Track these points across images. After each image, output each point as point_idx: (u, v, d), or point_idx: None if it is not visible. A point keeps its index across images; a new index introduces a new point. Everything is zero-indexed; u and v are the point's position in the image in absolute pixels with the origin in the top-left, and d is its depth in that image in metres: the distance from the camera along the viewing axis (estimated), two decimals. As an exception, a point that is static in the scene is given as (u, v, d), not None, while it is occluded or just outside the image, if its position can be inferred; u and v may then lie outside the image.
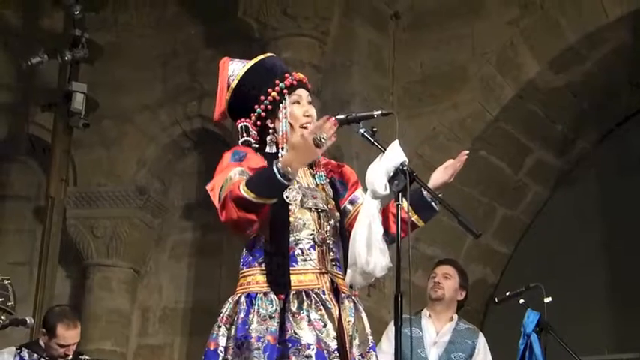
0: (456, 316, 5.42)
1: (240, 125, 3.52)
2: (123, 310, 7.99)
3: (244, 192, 3.16)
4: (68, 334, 5.37)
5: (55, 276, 7.59)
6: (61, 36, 7.94)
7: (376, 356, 3.41)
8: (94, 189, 8.06)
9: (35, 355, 5.40)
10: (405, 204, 3.44)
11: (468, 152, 3.66)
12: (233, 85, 3.58)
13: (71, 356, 5.47)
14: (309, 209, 3.41)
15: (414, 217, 3.52)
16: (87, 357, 5.49)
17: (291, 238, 3.35)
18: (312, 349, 3.21)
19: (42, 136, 8.19)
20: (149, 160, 8.15)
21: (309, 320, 3.26)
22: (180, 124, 8.17)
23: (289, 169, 3.15)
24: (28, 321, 5.35)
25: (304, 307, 3.27)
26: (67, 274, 8.13)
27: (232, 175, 3.29)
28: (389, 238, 3.40)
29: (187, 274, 8.13)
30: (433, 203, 3.55)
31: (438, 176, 3.65)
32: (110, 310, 7.89)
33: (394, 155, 3.28)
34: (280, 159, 3.21)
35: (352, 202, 3.54)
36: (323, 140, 3.14)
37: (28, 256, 8.23)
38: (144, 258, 8.21)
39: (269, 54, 3.80)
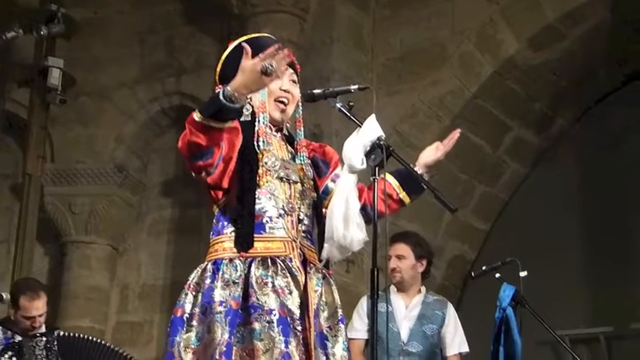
0: (423, 289, 5.43)
1: (217, 90, 3.52)
2: (102, 287, 7.98)
3: (195, 114, 3.16)
4: (31, 306, 5.34)
5: (32, 253, 7.58)
6: (37, 11, 7.87)
7: (345, 329, 3.41)
8: (72, 166, 8.03)
9: (9, 332, 5.39)
10: (390, 179, 3.45)
11: (460, 130, 3.63)
12: (223, 57, 3.59)
13: (43, 330, 5.44)
14: (281, 179, 3.40)
15: (402, 194, 3.53)
16: (61, 331, 5.44)
17: (260, 206, 3.34)
18: (275, 315, 3.20)
19: (18, 113, 8.14)
20: (127, 137, 8.13)
21: (274, 286, 3.25)
22: (158, 101, 8.14)
23: (235, 93, 3.12)
24: (4, 297, 5.34)
25: (269, 273, 3.27)
26: (44, 251, 8.11)
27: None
28: (370, 214, 3.39)
29: (166, 251, 8.12)
30: (421, 181, 3.57)
31: (430, 154, 3.67)
32: (89, 287, 7.89)
33: (371, 129, 3.27)
34: (230, 82, 3.18)
35: (334, 180, 3.54)
36: (271, 68, 3.10)
37: (5, 233, 8.20)
38: (122, 235, 8.19)
39: (266, 34, 3.79)
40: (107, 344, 5.55)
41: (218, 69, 3.60)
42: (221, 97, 3.12)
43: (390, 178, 3.54)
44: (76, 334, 5.44)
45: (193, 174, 3.37)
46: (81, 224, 7.97)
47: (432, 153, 3.70)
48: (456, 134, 3.68)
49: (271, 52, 3.14)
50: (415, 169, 3.64)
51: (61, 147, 8.07)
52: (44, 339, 5.32)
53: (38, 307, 5.39)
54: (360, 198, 3.44)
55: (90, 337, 5.48)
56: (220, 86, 3.49)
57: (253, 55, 3.19)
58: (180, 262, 7.89)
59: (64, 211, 8.00)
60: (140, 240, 8.23)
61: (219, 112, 3.14)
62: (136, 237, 8.24)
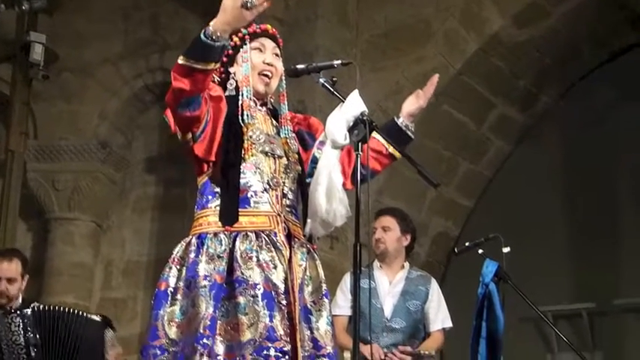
0: (407, 264, 5.45)
1: None
2: (85, 263, 7.98)
3: (180, 58, 3.13)
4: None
5: (15, 230, 7.55)
6: (19, -15, 7.81)
7: (329, 304, 3.41)
8: (55, 142, 8.00)
9: None
10: (376, 135, 3.44)
11: (438, 75, 3.62)
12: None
13: (20, 302, 5.37)
14: (266, 153, 3.40)
15: (391, 149, 3.53)
16: (39, 305, 5.36)
17: (245, 181, 3.34)
18: (259, 289, 3.20)
19: (0, 89, 8.08)
20: (111, 114, 8.10)
21: (258, 261, 3.25)
22: (142, 77, 8.11)
23: (217, 31, 3.08)
24: None
25: (254, 247, 3.27)
26: (27, 227, 8.09)
27: None
28: (366, 170, 3.36)
29: (150, 228, 8.12)
30: (408, 131, 3.59)
31: (412, 102, 3.68)
32: (73, 263, 7.88)
33: (354, 105, 3.27)
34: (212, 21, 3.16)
35: (320, 148, 3.52)
36: (251, 2, 3.06)
37: (-12, 209, 8.16)
38: (106, 212, 8.18)
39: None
40: (86, 314, 5.43)
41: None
42: (202, 36, 3.09)
43: (375, 134, 3.52)
44: (53, 307, 5.35)
45: (180, 136, 3.36)
46: (64, 201, 7.96)
47: (414, 101, 3.70)
48: (435, 78, 3.67)
49: None
50: (399, 120, 3.65)
51: (44, 123, 8.04)
52: (20, 313, 5.15)
53: (7, 269, 5.33)
54: (342, 172, 3.44)
55: (68, 309, 5.38)
56: None
57: None
58: (164, 239, 7.88)
59: (47, 188, 7.98)
60: (124, 217, 8.22)
61: (201, 51, 3.11)
62: (120, 214, 8.23)
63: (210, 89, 3.32)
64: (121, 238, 8.19)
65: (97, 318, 5.43)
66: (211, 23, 3.11)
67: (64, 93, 8.05)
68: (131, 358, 7.62)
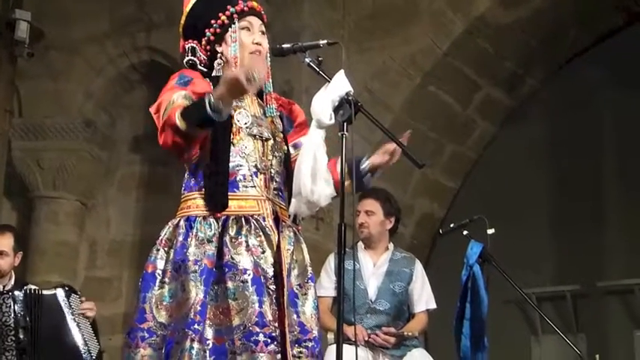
0: (391, 246, 5.46)
1: (187, 45, 3.52)
2: (70, 242, 7.95)
3: (178, 120, 3.13)
4: None
5: (0, 208, 7.52)
6: (3, -38, 7.76)
7: (314, 287, 3.42)
8: (40, 121, 7.95)
9: None
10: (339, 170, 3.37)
11: (411, 131, 3.53)
12: (187, 8, 3.57)
13: (12, 283, 5.37)
14: (254, 136, 3.39)
15: (347, 182, 3.37)
16: (33, 286, 5.35)
17: (234, 164, 3.33)
18: (249, 275, 3.20)
19: (-15, 67, 8.05)
20: (96, 92, 8.06)
21: (248, 246, 3.25)
22: (128, 56, 8.07)
23: (220, 102, 3.09)
24: None
25: (243, 232, 3.26)
26: (12, 206, 8.03)
27: (175, 99, 3.24)
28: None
29: (135, 207, 8.11)
30: (365, 181, 3.49)
31: (381, 157, 3.52)
32: (57, 242, 7.85)
33: (339, 85, 3.25)
34: (213, 91, 3.16)
35: (295, 147, 3.54)
36: (254, 79, 3.07)
37: (-27, 188, 8.13)
38: (91, 191, 8.15)
39: None
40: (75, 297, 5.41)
41: (183, 21, 3.58)
42: (207, 108, 3.08)
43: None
44: (41, 291, 5.33)
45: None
46: (49, 179, 7.92)
47: (384, 157, 3.52)
48: (407, 134, 3.53)
49: (251, 67, 3.12)
50: (363, 166, 3.50)
51: (29, 101, 7.98)
52: (12, 295, 5.12)
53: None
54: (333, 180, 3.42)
55: (55, 291, 5.35)
56: (192, 41, 3.49)
57: (207, 11, 3.32)
58: (149, 219, 7.88)
59: (32, 166, 7.94)
60: (109, 196, 8.20)
61: (203, 121, 3.13)
62: (105, 193, 8.21)
63: (194, 84, 3.33)
64: (106, 218, 8.17)
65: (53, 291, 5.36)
66: (214, 94, 3.10)
67: (50, 71, 7.99)
68: (116, 338, 7.63)
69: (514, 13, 7.20)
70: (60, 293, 5.24)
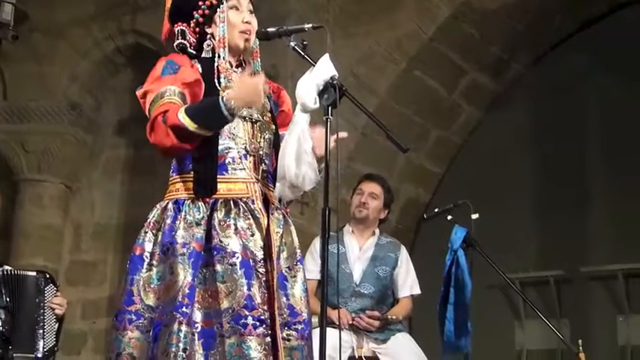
0: (377, 231, 5.50)
1: (177, 29, 3.51)
2: (55, 225, 7.94)
3: (184, 120, 3.13)
4: None
5: (-16, 191, 7.52)
6: (-12, -57, 7.70)
7: (303, 270, 3.43)
8: (25, 103, 7.92)
9: None
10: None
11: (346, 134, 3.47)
12: None
13: None
14: (244, 118, 3.39)
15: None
16: (7, 267, 5.33)
17: (223, 147, 3.34)
18: (237, 258, 3.21)
19: (-31, 49, 8.01)
20: (81, 75, 8.02)
21: (236, 229, 3.25)
22: (113, 39, 8.04)
23: (236, 107, 3.13)
24: None
25: (232, 215, 3.27)
26: (-4, 188, 8.04)
27: (168, 94, 3.25)
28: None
29: (120, 191, 8.10)
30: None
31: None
32: (42, 225, 7.84)
33: (324, 69, 3.25)
34: (225, 93, 3.17)
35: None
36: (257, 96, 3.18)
37: (-44, 171, 8.11)
38: (76, 174, 8.13)
39: None
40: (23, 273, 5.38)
41: (169, 4, 3.57)
42: (224, 110, 3.12)
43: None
44: (21, 272, 5.33)
45: None
46: (34, 162, 7.90)
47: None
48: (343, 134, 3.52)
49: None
50: None
51: (14, 84, 7.95)
52: None
53: None
54: None
55: (35, 274, 5.35)
56: (180, 24, 3.48)
57: None
58: (134, 202, 7.87)
59: (16, 149, 7.92)
60: (94, 179, 8.18)
61: (214, 122, 3.17)
62: (90, 176, 8.19)
63: (182, 73, 3.33)
64: (91, 201, 8.16)
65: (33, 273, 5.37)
66: (228, 96, 3.14)
67: (34, 54, 7.96)
68: (100, 322, 7.65)
69: (500, -1, 7.21)
70: (40, 278, 5.25)
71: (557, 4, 7.43)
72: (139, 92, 3.35)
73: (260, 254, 3.26)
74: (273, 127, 3.49)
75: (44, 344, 5.15)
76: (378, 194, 5.44)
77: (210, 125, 3.16)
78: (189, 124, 3.11)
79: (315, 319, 5.03)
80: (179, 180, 3.36)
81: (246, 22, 3.45)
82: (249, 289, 3.17)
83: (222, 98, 3.13)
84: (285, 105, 3.62)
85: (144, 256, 3.29)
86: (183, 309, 3.13)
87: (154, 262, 3.27)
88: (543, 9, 7.41)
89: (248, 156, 3.36)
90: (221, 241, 3.22)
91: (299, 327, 3.31)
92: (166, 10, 3.58)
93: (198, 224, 3.25)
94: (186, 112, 3.14)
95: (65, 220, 8.05)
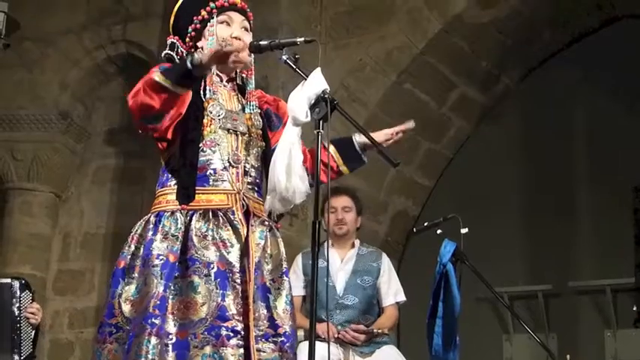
0: (357, 242, 5.51)
1: (169, 41, 3.53)
2: (43, 234, 7.91)
3: (155, 74, 3.15)
4: None
5: (-27, 199, 7.49)
6: (-21, -48, 7.70)
7: (289, 282, 3.41)
8: (15, 112, 7.90)
9: None
10: (332, 150, 3.45)
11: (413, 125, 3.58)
12: (175, 8, 3.60)
13: None
14: (228, 130, 3.40)
15: (342, 167, 3.55)
16: None
17: (204, 158, 3.34)
18: (213, 268, 3.21)
19: (-40, 57, 7.99)
20: (72, 84, 8.01)
21: (214, 239, 3.26)
22: (104, 48, 8.04)
23: (202, 61, 3.14)
24: None
25: (210, 226, 3.27)
26: (-15, 197, 8.01)
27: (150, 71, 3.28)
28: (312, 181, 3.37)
29: (109, 200, 8.07)
30: (363, 155, 3.57)
31: (377, 136, 3.58)
32: (30, 234, 7.81)
33: (316, 82, 3.25)
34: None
35: None
36: (226, 43, 3.15)
37: (-55, 179, 8.07)
38: (65, 183, 8.11)
39: None
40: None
41: (171, 20, 3.60)
42: (187, 62, 3.13)
43: (331, 149, 3.53)
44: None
45: (139, 131, 3.36)
46: (23, 171, 7.87)
47: (380, 136, 3.59)
48: (410, 124, 3.61)
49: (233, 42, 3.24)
50: (356, 140, 3.59)
51: (4, 92, 7.93)
52: None
53: None
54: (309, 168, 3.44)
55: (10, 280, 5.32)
56: (173, 37, 3.53)
57: (192, 9, 3.41)
58: (122, 212, 7.85)
59: (6, 157, 7.89)
60: (83, 188, 8.16)
61: (182, 76, 3.15)
62: (79, 185, 8.17)
63: None
64: (80, 210, 8.13)
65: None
66: (197, 53, 3.19)
67: (25, 62, 7.95)
68: (87, 331, 7.62)
69: (491, 13, 7.22)
70: (15, 284, 5.22)
71: (547, 20, 7.47)
72: (129, 95, 3.36)
73: (238, 265, 3.26)
74: (263, 144, 3.49)
75: (21, 352, 5.12)
76: (350, 206, 5.47)
77: (178, 79, 3.15)
78: (159, 78, 3.13)
79: (301, 333, 5.05)
80: (162, 193, 3.38)
81: (235, 38, 3.44)
82: (223, 300, 3.18)
83: (192, 53, 3.19)
84: (286, 115, 3.60)
85: (125, 270, 3.30)
86: (153, 320, 3.13)
87: (135, 275, 3.28)
88: (533, 24, 7.45)
89: (230, 167, 3.37)
90: (197, 252, 3.23)
91: (278, 340, 3.28)
92: (170, 25, 3.61)
93: (174, 235, 3.26)
94: (161, 71, 3.17)
95: (54, 228, 8.03)
